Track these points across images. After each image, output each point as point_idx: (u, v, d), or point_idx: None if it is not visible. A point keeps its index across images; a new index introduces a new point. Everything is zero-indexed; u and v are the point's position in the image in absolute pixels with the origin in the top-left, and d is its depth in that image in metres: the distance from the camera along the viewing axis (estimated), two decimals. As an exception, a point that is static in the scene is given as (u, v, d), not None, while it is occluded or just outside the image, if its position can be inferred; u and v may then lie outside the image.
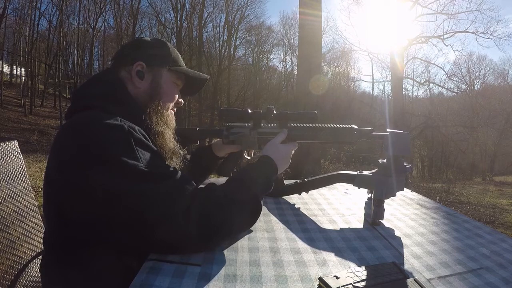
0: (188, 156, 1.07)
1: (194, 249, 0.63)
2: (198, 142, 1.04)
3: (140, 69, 0.78)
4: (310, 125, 0.96)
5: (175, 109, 0.88)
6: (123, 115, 0.67)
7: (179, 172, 0.69)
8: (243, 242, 0.71)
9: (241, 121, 0.99)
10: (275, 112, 0.96)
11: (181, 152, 0.83)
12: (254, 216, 0.71)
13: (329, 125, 0.95)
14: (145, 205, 0.58)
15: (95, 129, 0.61)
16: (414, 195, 1.23)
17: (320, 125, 0.95)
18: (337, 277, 0.55)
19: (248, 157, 1.03)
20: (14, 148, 1.05)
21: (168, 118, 0.82)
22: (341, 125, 0.94)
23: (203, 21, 17.85)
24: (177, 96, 0.86)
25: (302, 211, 0.97)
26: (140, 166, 0.60)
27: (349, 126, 0.93)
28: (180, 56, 0.87)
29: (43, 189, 0.67)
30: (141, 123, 0.72)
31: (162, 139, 0.76)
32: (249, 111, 0.96)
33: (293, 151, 0.90)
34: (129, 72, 0.78)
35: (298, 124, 0.94)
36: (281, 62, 22.21)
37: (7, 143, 1.03)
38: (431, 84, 17.32)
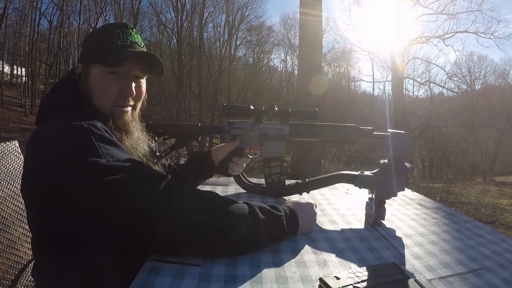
0: (167, 163, 1.05)
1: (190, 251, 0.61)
2: (200, 138, 1.04)
3: (80, 71, 0.75)
4: (312, 122, 0.96)
5: (130, 102, 0.77)
6: (92, 117, 0.65)
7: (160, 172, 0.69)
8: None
9: (243, 117, 0.99)
10: (276, 108, 0.97)
11: (157, 162, 0.80)
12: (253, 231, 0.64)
13: (330, 124, 0.95)
14: (144, 204, 0.57)
15: (69, 131, 0.60)
16: (415, 195, 1.22)
17: (321, 123, 0.95)
18: (337, 278, 0.55)
19: (250, 156, 1.03)
20: (14, 148, 1.05)
21: (122, 120, 0.75)
22: (342, 124, 0.95)
23: (203, 21, 17.82)
24: (118, 87, 0.74)
25: (303, 211, 0.96)
26: (119, 164, 0.59)
27: (351, 125, 0.93)
28: (123, 33, 0.74)
29: (22, 194, 0.66)
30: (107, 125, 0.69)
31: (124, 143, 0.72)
32: (251, 107, 0.97)
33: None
34: None
35: (300, 122, 0.94)
36: (282, 62, 22.21)
37: (8, 143, 1.03)
38: (431, 84, 17.28)
